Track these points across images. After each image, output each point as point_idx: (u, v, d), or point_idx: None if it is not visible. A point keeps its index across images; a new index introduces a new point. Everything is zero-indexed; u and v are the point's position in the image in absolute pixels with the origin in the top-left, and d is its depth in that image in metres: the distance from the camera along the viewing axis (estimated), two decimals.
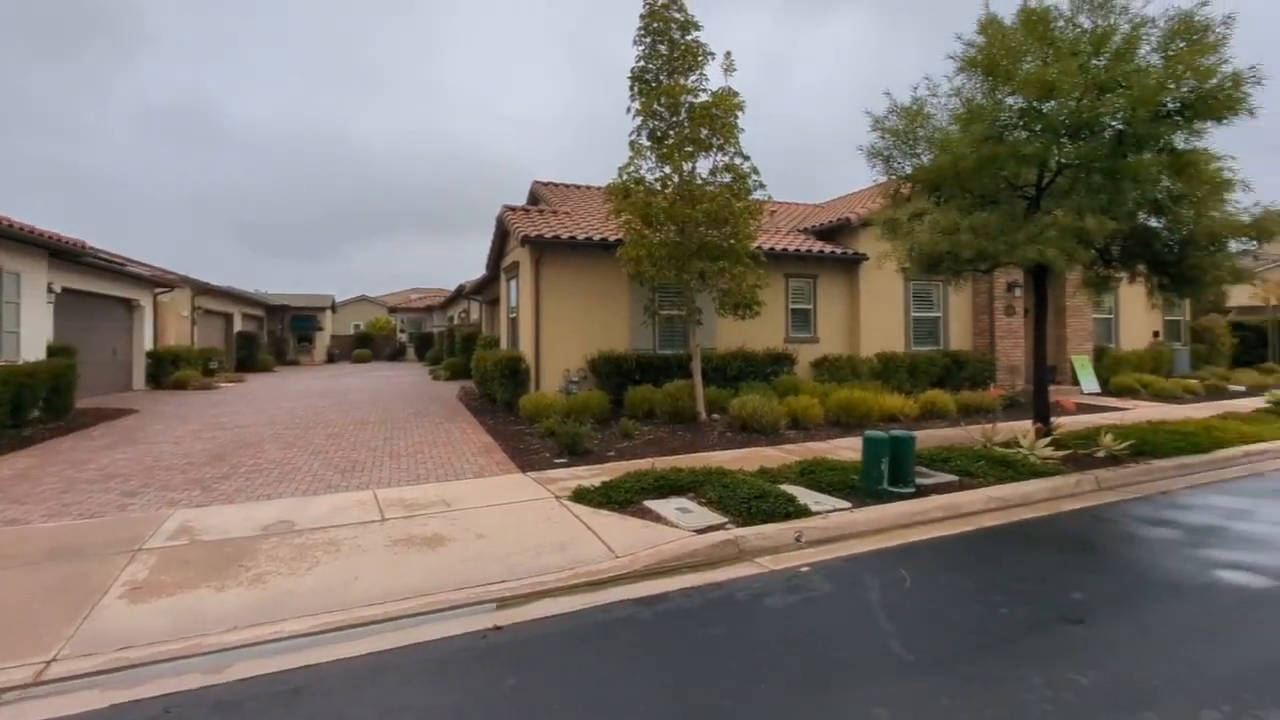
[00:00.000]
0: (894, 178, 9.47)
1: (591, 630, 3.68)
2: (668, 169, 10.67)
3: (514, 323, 14.46)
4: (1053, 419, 8.78)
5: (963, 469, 6.86)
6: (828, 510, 5.63)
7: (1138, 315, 16.92)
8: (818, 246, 14.70)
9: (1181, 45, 7.43)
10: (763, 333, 13.62)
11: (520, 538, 5.09)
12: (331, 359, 37.30)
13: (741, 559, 4.80)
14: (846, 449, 8.25)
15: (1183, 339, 18.06)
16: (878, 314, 14.65)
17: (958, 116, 8.68)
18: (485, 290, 22.04)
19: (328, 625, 3.72)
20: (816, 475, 6.59)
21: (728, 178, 10.77)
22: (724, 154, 10.78)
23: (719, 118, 10.50)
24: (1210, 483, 7.08)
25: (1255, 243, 8.37)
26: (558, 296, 12.30)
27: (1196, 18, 7.39)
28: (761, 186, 11.11)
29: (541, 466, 7.59)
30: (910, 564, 4.66)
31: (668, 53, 10.67)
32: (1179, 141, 7.54)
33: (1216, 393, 14.34)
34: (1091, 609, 3.80)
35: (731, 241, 10.77)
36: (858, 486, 6.24)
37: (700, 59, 10.72)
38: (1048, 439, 7.78)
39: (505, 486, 6.74)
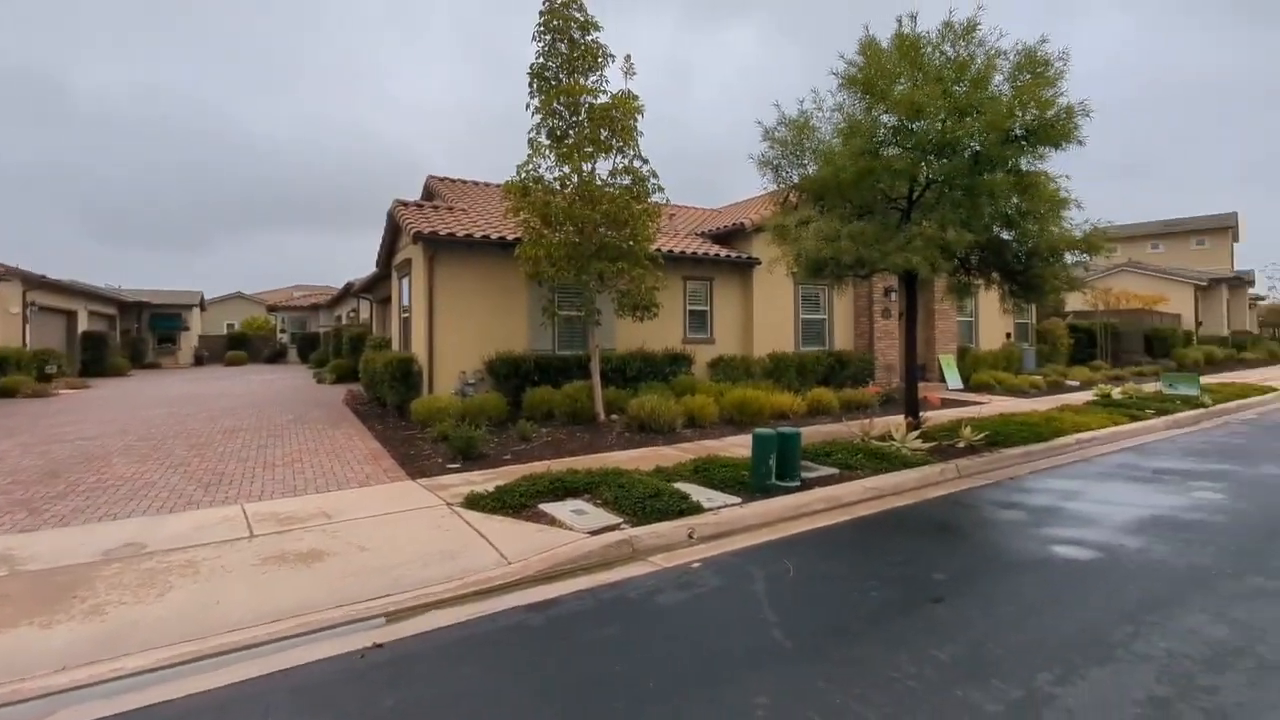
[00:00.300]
0: (783, 186, 9.94)
1: (479, 641, 3.57)
2: (567, 169, 10.60)
3: (406, 323, 13.82)
4: (921, 413, 9.54)
5: (843, 462, 7.30)
6: (719, 506, 5.80)
7: (994, 319, 18.77)
8: (714, 250, 15.14)
9: (1027, 77, 8.29)
10: (662, 333, 13.84)
11: (407, 549, 4.85)
12: (200, 361, 34.01)
13: (636, 558, 4.84)
14: (739, 446, 8.54)
15: (1030, 340, 20.23)
16: (770, 316, 15.30)
17: (840, 131, 9.22)
18: (376, 288, 20.92)
19: (180, 657, 3.37)
20: (709, 472, 6.78)
21: (627, 180, 10.85)
22: (624, 156, 10.85)
23: (619, 120, 10.56)
24: (1049, 468, 7.97)
25: (1086, 255, 9.52)
26: (453, 295, 11.89)
27: (1039, 53, 8.27)
28: (660, 190, 11.28)
29: (433, 473, 7.29)
30: (794, 555, 4.89)
31: (568, 52, 10.60)
32: (1024, 163, 8.41)
33: (1057, 388, 16.17)
34: (950, 588, 4.16)
35: (631, 243, 10.86)
36: (748, 482, 6.47)
37: (600, 60, 10.74)
38: (917, 432, 8.45)
39: (393, 495, 6.41)
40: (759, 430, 6.58)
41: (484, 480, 6.76)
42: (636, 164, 10.93)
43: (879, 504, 6.32)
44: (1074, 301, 29.50)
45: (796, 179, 9.74)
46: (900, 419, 9.45)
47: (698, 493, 6.13)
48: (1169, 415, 11.39)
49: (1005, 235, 9.42)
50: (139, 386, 19.35)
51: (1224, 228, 45.25)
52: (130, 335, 30.72)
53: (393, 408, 12.06)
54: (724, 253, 15.12)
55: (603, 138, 10.60)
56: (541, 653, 3.44)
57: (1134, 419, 10.79)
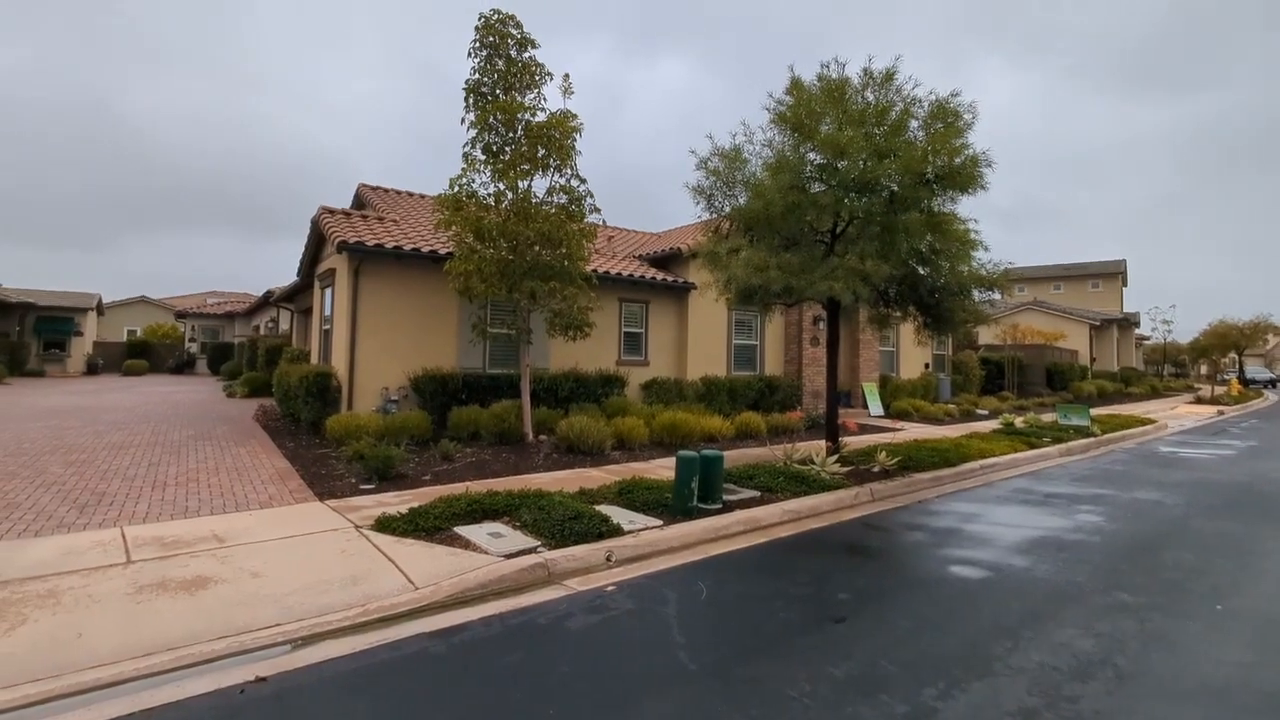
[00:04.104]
0: (715, 215, 10.21)
1: (375, 671, 3.40)
2: (502, 185, 10.53)
3: (327, 335, 13.26)
4: (842, 438, 9.87)
5: (765, 485, 7.45)
6: (639, 529, 5.79)
7: (913, 350, 19.76)
8: (651, 273, 15.31)
9: (939, 126, 8.88)
10: (596, 354, 13.83)
11: (306, 574, 4.59)
12: (93, 370, 31.35)
13: (551, 582, 4.76)
14: (666, 469, 8.58)
15: (946, 370, 21.39)
16: (704, 340, 15.57)
17: (769, 165, 9.58)
18: (297, 298, 20.01)
19: (29, 698, 3.05)
20: (633, 495, 6.76)
21: (563, 199, 10.86)
22: (561, 175, 10.87)
23: (557, 139, 10.59)
24: (955, 491, 8.39)
25: (993, 292, 10.19)
26: (378, 309, 11.51)
27: (950, 104, 8.87)
28: (597, 210, 11.35)
29: (345, 494, 6.96)
30: (709, 576, 4.93)
31: (504, 68, 10.59)
32: (936, 205, 8.96)
33: (968, 416, 17.13)
34: (853, 608, 4.28)
35: (565, 263, 10.84)
36: (671, 505, 6.49)
37: (538, 78, 10.78)
38: (835, 456, 8.73)
39: (297, 517, 6.07)
40: (682, 453, 6.63)
41: (399, 502, 6.51)
42: (574, 183, 10.96)
43: (796, 526, 6.47)
44: (986, 335, 31.41)
45: (729, 209, 10.03)
46: (823, 443, 9.75)
47: (620, 515, 6.10)
48: (1063, 444, 12.24)
49: (921, 271, 9.98)
50: (15, 397, 17.64)
51: (1115, 273, 49.49)
52: (10, 339, 28.04)
53: (307, 425, 11.48)
54: (660, 276, 15.32)
55: (540, 156, 10.61)
56: (439, 682, 3.31)
57: (1032, 446, 11.55)
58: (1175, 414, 21.43)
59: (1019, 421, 14.39)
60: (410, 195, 17.97)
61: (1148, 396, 30.29)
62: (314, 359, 14.45)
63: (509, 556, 4.96)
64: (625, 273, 14.69)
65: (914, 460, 9.18)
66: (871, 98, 9.23)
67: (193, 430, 11.62)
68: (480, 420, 10.67)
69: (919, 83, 8.93)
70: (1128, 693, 3.25)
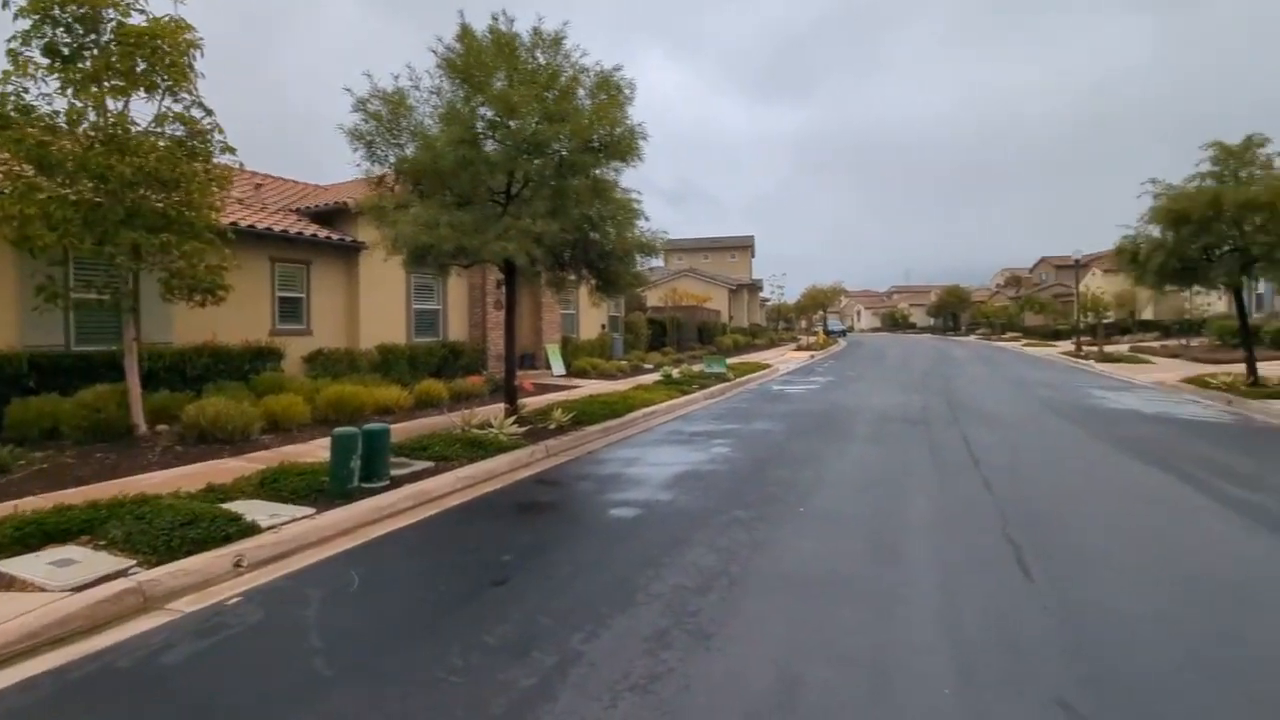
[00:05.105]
0: (379, 166, 9.29)
1: None
2: (82, 103, 7.94)
3: None
4: (522, 400, 10.09)
5: (440, 454, 7.16)
6: (284, 522, 5.01)
7: (591, 312, 21.24)
8: (312, 230, 13.42)
9: (604, 97, 9.37)
10: (242, 323, 11.64)
11: None
12: None
13: (149, 609, 3.79)
14: (328, 449, 7.64)
15: (619, 330, 23.62)
16: (379, 305, 14.30)
17: (440, 116, 9.03)
18: None
19: None
20: (280, 483, 5.85)
21: (180, 131, 8.69)
22: (176, 100, 8.63)
23: (164, 53, 8.30)
24: (621, 439, 9.29)
25: (651, 257, 11.38)
26: None
27: (613, 78, 9.41)
28: (230, 150, 9.33)
29: None
30: (367, 562, 4.51)
31: None
32: (600, 173, 9.53)
33: (637, 370, 19.19)
34: (515, 567, 4.35)
35: (184, 210, 8.72)
36: (328, 489, 5.79)
37: None
38: (514, 418, 8.87)
39: None
40: (338, 430, 5.94)
41: None
42: (196, 113, 8.81)
43: (470, 492, 6.36)
44: (653, 298, 35.50)
45: (393, 159, 9.21)
46: (504, 407, 9.81)
47: (260, 510, 5.20)
48: (706, 389, 14.55)
49: (593, 236, 10.60)
50: None
51: (746, 246, 60.46)
52: None
53: None
54: (323, 234, 13.51)
55: (140, 72, 8.24)
56: None
57: (684, 393, 13.47)
58: (784, 359, 27.32)
59: (675, 373, 16.63)
60: None
61: (768, 346, 38.17)
62: None
63: (79, 589, 3.78)
64: (279, 228, 12.61)
65: (587, 414, 9.85)
66: (543, 59, 9.30)
67: None
68: (61, 413, 8.11)
69: (586, 52, 9.26)
70: (735, 595, 3.92)
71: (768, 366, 21.47)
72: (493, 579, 4.13)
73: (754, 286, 50.00)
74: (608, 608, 3.68)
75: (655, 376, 16.57)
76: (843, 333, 59.90)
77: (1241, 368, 14.06)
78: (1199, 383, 14.39)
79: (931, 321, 75.77)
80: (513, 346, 9.80)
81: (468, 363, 15.20)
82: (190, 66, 8.72)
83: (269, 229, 12.30)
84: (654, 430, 10.09)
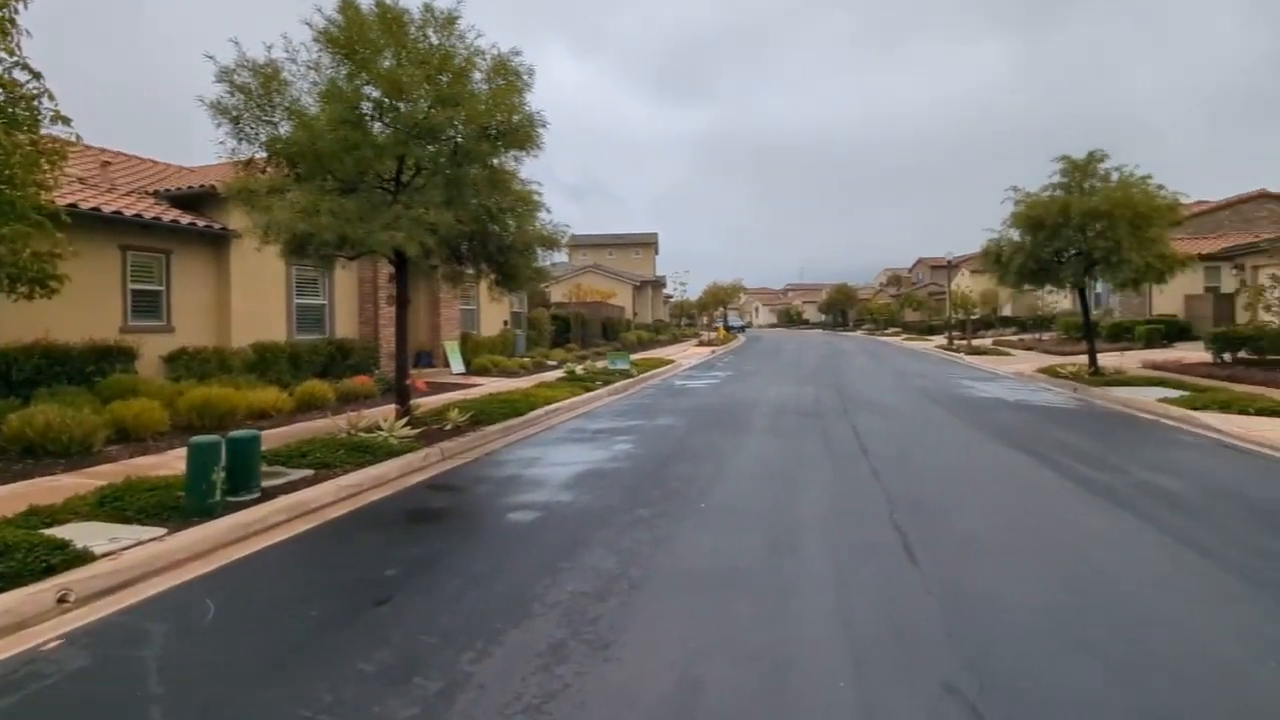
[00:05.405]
0: (246, 144, 8.42)
1: None
2: None
3: None
4: (416, 400, 9.53)
5: (321, 461, 6.58)
6: (126, 547, 4.36)
7: (492, 307, 20.56)
8: (173, 215, 12.06)
9: (501, 82, 8.97)
10: (84, 320, 10.26)
11: None
12: None
13: None
14: None
15: (523, 327, 23.04)
16: (255, 299, 13.07)
17: (320, 93, 8.32)
18: None
19: None
20: (125, 501, 5.13)
21: None
22: None
23: None
24: (522, 439, 8.98)
25: (552, 252, 11.09)
26: None
27: (511, 63, 9.03)
28: (63, 120, 8.11)
29: None
30: (229, 587, 4.01)
31: None
32: (498, 162, 9.14)
33: (540, 367, 18.78)
34: (400, 583, 4.01)
35: (3, 189, 7.50)
36: (184, 506, 5.13)
37: None
38: (406, 419, 8.34)
39: None
40: (196, 439, 5.28)
41: None
42: (20, 76, 7.58)
43: (355, 502, 5.87)
44: (557, 294, 35.04)
45: (265, 138, 8.39)
46: (394, 408, 9.21)
47: (96, 533, 4.52)
48: (610, 385, 14.45)
49: (492, 228, 10.17)
50: None
51: (649, 243, 61.12)
52: None
53: None
54: (186, 219, 12.18)
55: None
56: None
57: (588, 390, 13.28)
58: (687, 354, 27.79)
59: (580, 369, 16.43)
60: None
61: (671, 342, 38.69)
62: None
63: None
64: (131, 212, 11.24)
65: (486, 414, 9.45)
66: (435, 39, 8.77)
67: None
68: None
69: (482, 34, 8.82)
70: (635, 599, 3.80)
71: (671, 362, 21.72)
72: (374, 598, 3.77)
73: (658, 283, 50.63)
74: (501, 622, 3.45)
75: (559, 373, 16.27)
76: (742, 329, 61.92)
77: (1085, 359, 15.78)
78: (1050, 372, 16.00)
79: (823, 318, 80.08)
80: (405, 343, 9.22)
81: (357, 362, 14.23)
82: (11, 20, 7.51)
83: (118, 213, 10.91)
84: (556, 429, 9.84)
